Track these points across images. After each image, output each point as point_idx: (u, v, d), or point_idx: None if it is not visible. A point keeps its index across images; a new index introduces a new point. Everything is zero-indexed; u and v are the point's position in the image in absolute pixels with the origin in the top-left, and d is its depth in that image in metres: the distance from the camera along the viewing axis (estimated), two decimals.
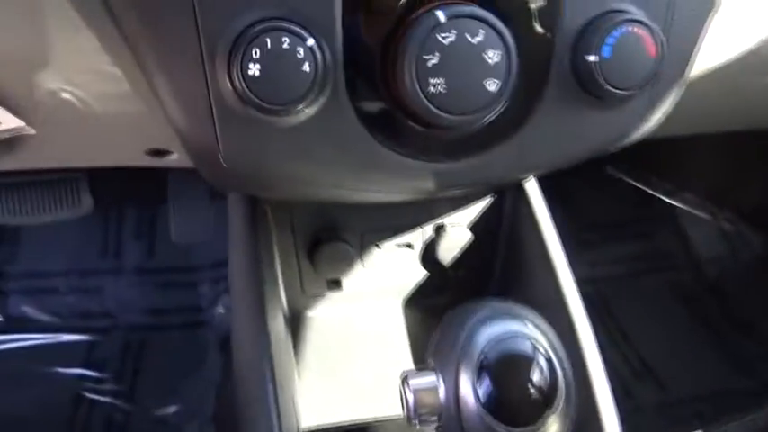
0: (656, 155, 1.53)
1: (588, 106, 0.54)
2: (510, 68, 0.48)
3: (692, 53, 0.56)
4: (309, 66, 0.46)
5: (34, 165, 0.98)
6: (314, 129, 0.51)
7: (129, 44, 0.50)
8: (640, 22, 0.50)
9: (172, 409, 1.22)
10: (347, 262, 0.79)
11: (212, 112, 0.50)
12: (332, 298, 0.84)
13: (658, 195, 1.56)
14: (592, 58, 0.50)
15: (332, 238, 0.78)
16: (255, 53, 0.46)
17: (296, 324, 0.83)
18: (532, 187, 0.74)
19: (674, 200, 1.55)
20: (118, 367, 1.31)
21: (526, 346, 0.45)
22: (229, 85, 0.47)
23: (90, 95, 0.65)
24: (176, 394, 1.23)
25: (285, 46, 0.46)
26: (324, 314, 0.84)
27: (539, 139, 0.55)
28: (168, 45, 0.49)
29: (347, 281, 0.82)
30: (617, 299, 1.47)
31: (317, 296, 0.84)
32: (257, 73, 0.46)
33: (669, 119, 0.60)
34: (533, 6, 0.50)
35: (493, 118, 0.51)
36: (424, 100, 0.48)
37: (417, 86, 0.48)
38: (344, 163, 0.53)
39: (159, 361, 1.32)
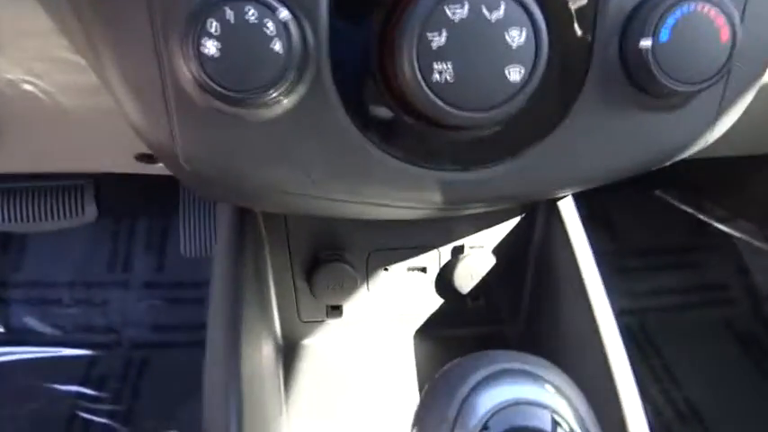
0: (711, 176, 1.39)
1: (639, 105, 0.43)
2: (538, 53, 0.38)
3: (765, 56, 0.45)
4: (281, 44, 0.37)
5: (16, 168, 0.91)
6: (291, 125, 0.41)
7: (78, 20, 0.42)
8: (708, 1, 0.39)
9: None
10: (349, 286, 0.69)
11: (167, 103, 0.41)
12: (331, 326, 0.73)
13: (711, 222, 1.42)
14: (645, 42, 0.39)
15: (333, 258, 0.68)
16: (213, 27, 0.36)
17: (290, 354, 0.73)
18: (567, 205, 0.63)
19: (730, 227, 1.40)
20: (117, 386, 1.23)
21: (544, 420, 0.33)
22: (185, 67, 0.38)
23: (54, 87, 0.57)
24: (174, 419, 1.14)
25: (250, 18, 0.36)
26: (322, 344, 0.74)
27: (573, 147, 0.44)
28: (115, 18, 0.40)
29: (349, 307, 0.72)
30: (662, 334, 1.32)
31: (315, 323, 0.73)
32: (215, 52, 0.36)
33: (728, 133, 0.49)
34: None
35: (515, 117, 0.41)
36: (427, 91, 0.38)
37: (418, 73, 0.38)
38: (330, 168, 0.43)
39: (161, 381, 1.24)
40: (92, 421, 1.18)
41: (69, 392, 1.22)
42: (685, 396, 1.25)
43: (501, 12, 0.37)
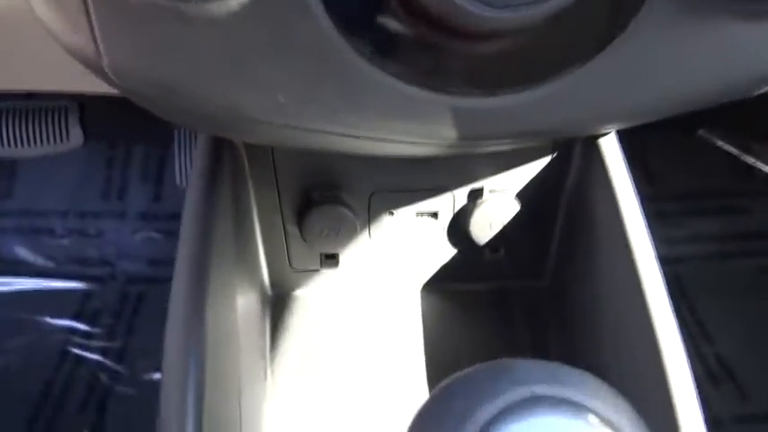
0: (760, 116, 1.24)
1: (728, 13, 0.31)
2: None
3: None
4: None
5: None
6: (249, 24, 0.30)
7: None
8: None
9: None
10: (347, 231, 0.59)
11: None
12: (328, 276, 0.64)
13: (759, 165, 1.28)
14: None
15: (328, 199, 0.58)
16: None
17: (279, 306, 0.64)
18: (610, 144, 0.51)
19: None
20: (111, 322, 1.17)
21: None
22: None
23: None
24: None
25: None
26: (316, 296, 0.65)
27: (633, 67, 0.32)
28: None
29: (347, 256, 0.62)
30: (697, 284, 1.22)
31: (309, 272, 0.64)
32: None
33: None
34: None
35: (555, 22, 0.29)
36: None
37: None
38: (303, 87, 0.32)
39: (156, 318, 1.17)
40: (84, 357, 1.12)
41: (62, 327, 1.16)
42: (716, 352, 1.16)
43: None
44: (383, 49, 0.31)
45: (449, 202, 0.60)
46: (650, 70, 0.33)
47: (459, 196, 0.59)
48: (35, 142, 1.07)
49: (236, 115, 0.35)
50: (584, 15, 0.30)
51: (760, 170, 1.28)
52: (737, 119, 1.28)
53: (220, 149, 0.52)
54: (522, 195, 0.59)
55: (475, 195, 0.59)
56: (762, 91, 0.37)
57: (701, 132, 1.32)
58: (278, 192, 0.58)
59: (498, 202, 0.59)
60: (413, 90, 0.32)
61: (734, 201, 1.30)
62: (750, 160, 1.30)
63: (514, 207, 0.59)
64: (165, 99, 0.35)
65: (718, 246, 1.25)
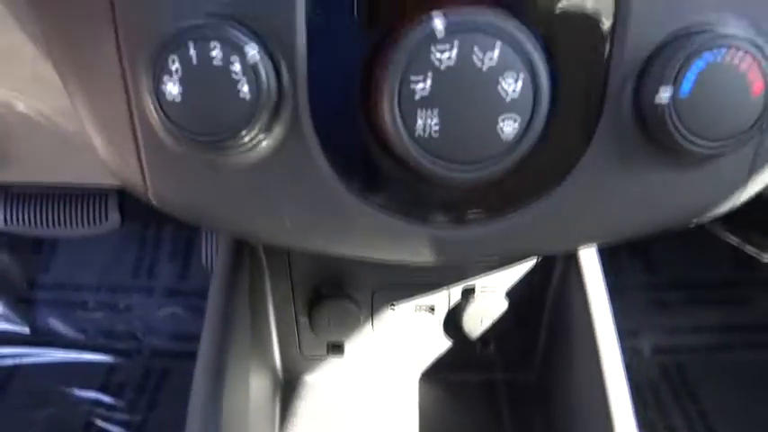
0: (760, 206, 1.30)
1: (655, 162, 0.38)
2: (537, 105, 0.33)
3: None
4: (249, 88, 0.33)
5: (29, 179, 0.91)
6: (266, 170, 0.38)
7: (45, 45, 0.40)
8: (740, 47, 0.34)
9: None
10: (352, 323, 0.66)
11: (137, 142, 0.38)
12: (334, 363, 0.70)
13: (759, 256, 1.32)
14: (663, 95, 0.34)
15: (336, 294, 0.65)
16: (175, 69, 0.33)
17: (289, 389, 0.70)
18: (588, 254, 0.58)
19: None
20: (134, 395, 1.22)
21: None
22: (152, 107, 0.35)
23: (50, 110, 0.55)
24: None
25: (215, 60, 0.33)
26: (323, 381, 0.71)
27: (578, 205, 0.39)
28: (83, 47, 0.37)
29: (351, 346, 0.68)
30: (699, 375, 1.24)
31: (318, 358, 0.70)
32: (177, 95, 0.33)
33: None
34: (578, 14, 0.35)
35: (511, 171, 0.36)
36: (409, 142, 0.34)
37: (400, 122, 0.34)
38: (307, 218, 0.40)
39: (178, 393, 1.22)
40: (107, 430, 1.17)
41: (87, 398, 1.22)
42: None
43: (495, 56, 0.33)
44: (371, 187, 0.39)
45: (444, 299, 0.66)
46: (596, 205, 0.40)
47: (454, 293, 0.66)
48: (76, 224, 1.17)
49: (255, 234, 0.43)
50: (535, 163, 0.37)
51: (761, 261, 1.32)
52: (737, 209, 1.33)
53: (242, 248, 0.60)
54: (510, 294, 0.65)
55: (468, 293, 0.66)
56: (700, 222, 0.43)
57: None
58: (292, 286, 0.65)
59: (489, 300, 0.65)
60: (394, 221, 0.39)
61: (736, 291, 1.33)
62: (751, 251, 1.34)
63: (503, 305, 0.65)
64: (197, 220, 0.42)
65: (721, 337, 1.28)
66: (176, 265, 1.38)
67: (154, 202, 0.41)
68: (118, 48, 0.36)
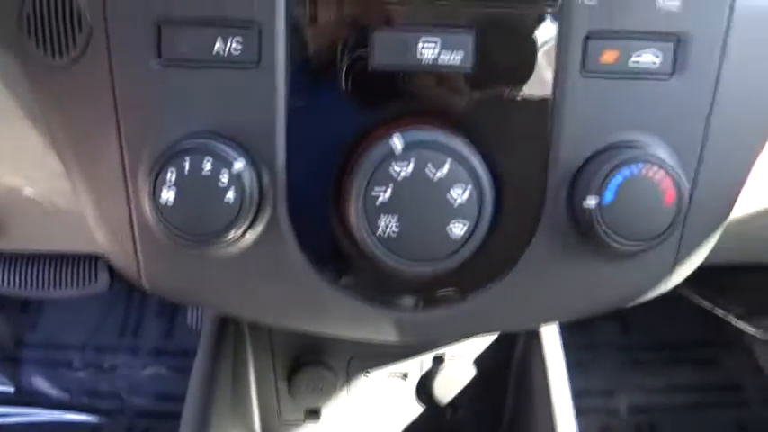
0: (727, 271, 1.35)
1: (591, 257, 0.43)
2: (482, 211, 0.39)
3: (732, 194, 0.45)
4: (234, 195, 0.39)
5: (23, 248, 0.94)
6: (249, 262, 0.43)
7: (52, 142, 0.45)
8: (655, 162, 0.40)
9: None
10: (328, 390, 0.70)
11: (134, 234, 0.43)
12: (311, 428, 0.73)
13: (728, 318, 1.37)
14: (590, 202, 0.40)
15: (314, 362, 0.69)
16: (171, 177, 0.39)
17: None
18: (550, 331, 0.63)
19: (746, 324, 1.36)
20: None
21: None
22: (149, 209, 0.40)
23: (51, 192, 0.60)
24: None
25: (206, 171, 0.38)
26: None
27: (524, 291, 0.44)
28: (89, 152, 0.43)
29: (328, 411, 0.72)
30: None
31: (296, 423, 0.74)
32: (171, 200, 0.39)
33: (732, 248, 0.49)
34: (518, 133, 0.41)
35: (466, 262, 0.41)
36: (372, 241, 0.39)
37: (364, 225, 0.39)
38: (286, 305, 0.45)
39: None
40: None
41: None
42: None
43: (445, 170, 0.38)
44: (343, 276, 0.44)
45: (417, 366, 0.70)
46: (540, 291, 0.45)
47: (426, 360, 0.70)
48: (66, 286, 1.20)
49: (239, 315, 0.47)
50: (486, 255, 0.43)
51: (728, 322, 1.37)
52: (707, 273, 1.39)
53: (226, 320, 0.64)
54: (478, 362, 0.70)
55: (438, 360, 0.70)
56: (634, 304, 0.48)
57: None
58: (272, 355, 0.69)
59: (458, 367, 0.69)
60: (365, 306, 0.44)
61: (707, 352, 1.38)
62: (720, 313, 1.39)
63: (472, 372, 0.69)
64: (185, 302, 0.47)
65: (694, 396, 1.32)
66: (162, 324, 1.41)
67: (146, 288, 0.45)
68: (121, 156, 0.41)
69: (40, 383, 1.34)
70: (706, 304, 1.42)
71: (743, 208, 0.53)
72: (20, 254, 1.19)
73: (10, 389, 1.34)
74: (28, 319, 1.41)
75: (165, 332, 1.41)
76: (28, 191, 0.61)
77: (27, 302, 1.42)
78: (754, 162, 0.45)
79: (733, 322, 1.38)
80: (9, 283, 1.17)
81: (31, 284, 1.19)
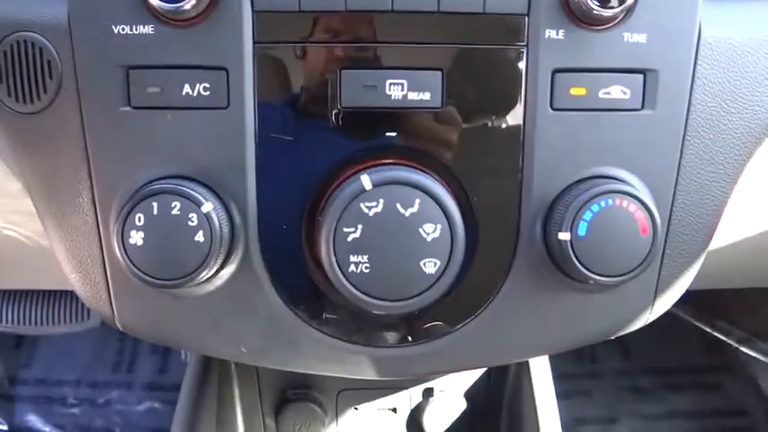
0: (727, 296, 1.34)
1: (570, 290, 0.43)
2: (454, 247, 0.39)
3: (712, 221, 0.45)
4: (204, 235, 0.39)
5: (14, 286, 0.94)
6: (222, 299, 0.43)
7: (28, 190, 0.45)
8: (627, 194, 0.39)
9: None
10: (317, 426, 0.69)
11: (106, 276, 0.43)
12: None
13: (728, 342, 1.36)
14: (564, 236, 0.39)
15: (302, 397, 0.68)
16: (139, 219, 0.38)
17: None
18: (539, 363, 0.62)
19: (747, 348, 1.34)
20: None
21: None
22: (118, 253, 0.40)
23: (32, 233, 0.60)
24: None
25: (175, 211, 0.38)
26: None
27: (504, 326, 0.44)
28: (61, 196, 0.43)
29: None
30: None
31: None
32: (140, 242, 0.38)
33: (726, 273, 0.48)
34: (490, 168, 0.41)
35: (441, 298, 0.41)
36: (344, 280, 0.39)
37: (335, 264, 0.39)
38: (260, 342, 0.44)
39: None
40: None
41: None
42: None
43: (415, 207, 0.38)
44: (317, 314, 0.44)
45: (406, 400, 0.69)
46: (520, 325, 0.44)
47: (415, 394, 0.69)
48: (58, 322, 1.19)
49: (216, 354, 0.47)
50: (462, 291, 0.42)
51: (730, 346, 1.36)
52: (707, 298, 1.37)
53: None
54: (469, 395, 0.69)
55: (428, 393, 0.69)
56: (616, 335, 0.48)
57: (674, 310, 1.41)
58: (259, 391, 0.69)
59: (448, 400, 0.68)
60: (340, 343, 0.44)
61: (708, 377, 1.36)
62: (720, 337, 1.37)
63: (462, 405, 0.68)
64: (160, 342, 0.46)
65: (697, 423, 1.30)
66: (156, 359, 1.40)
67: (120, 328, 0.45)
68: (93, 199, 0.41)
69: (35, 420, 1.33)
70: (706, 328, 1.40)
71: (735, 233, 0.52)
72: (12, 291, 1.19)
73: (4, 426, 1.32)
74: (21, 356, 1.41)
75: (159, 367, 1.40)
76: (9, 233, 0.61)
77: (20, 339, 1.41)
78: (732, 188, 0.45)
79: (734, 346, 1.36)
80: (2, 320, 1.17)
81: (25, 321, 1.19)
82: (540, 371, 0.61)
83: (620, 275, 0.40)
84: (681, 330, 1.40)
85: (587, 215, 0.39)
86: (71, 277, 0.45)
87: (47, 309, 1.18)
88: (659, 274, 0.44)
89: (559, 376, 1.06)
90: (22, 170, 0.43)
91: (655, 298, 0.45)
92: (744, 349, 1.35)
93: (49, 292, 1.20)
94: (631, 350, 1.40)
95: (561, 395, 0.74)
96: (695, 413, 1.32)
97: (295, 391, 0.68)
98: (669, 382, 1.37)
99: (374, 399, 0.69)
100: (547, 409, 0.58)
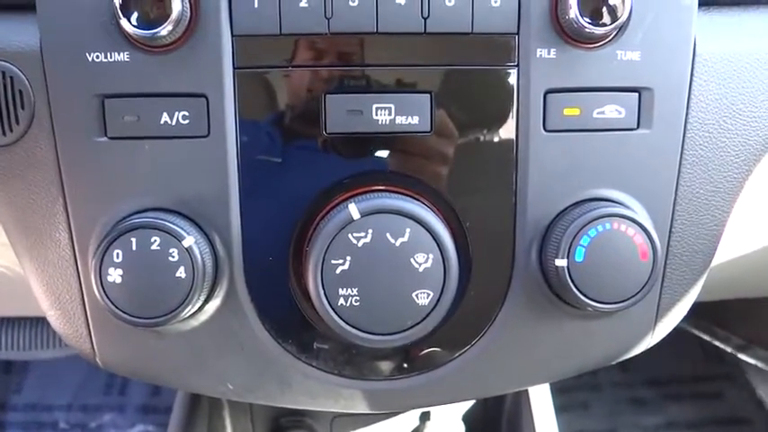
0: (725, 305, 1.33)
1: (568, 317, 0.41)
2: (447, 277, 0.37)
3: (713, 241, 0.44)
4: (186, 271, 0.37)
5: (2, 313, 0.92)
6: (207, 337, 0.41)
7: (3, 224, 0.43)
8: (625, 217, 0.38)
9: None
10: None
11: (86, 313, 0.41)
12: None
13: (728, 350, 1.35)
14: (561, 262, 0.38)
15: (295, 425, 0.66)
16: (118, 256, 0.37)
17: None
18: (539, 389, 0.60)
19: (746, 356, 1.33)
20: None
21: None
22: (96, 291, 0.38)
23: (9, 263, 0.58)
24: None
25: (154, 247, 0.37)
26: None
27: (501, 357, 0.42)
28: (36, 231, 0.41)
29: None
30: None
31: None
32: (119, 280, 0.37)
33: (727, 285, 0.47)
34: (483, 192, 0.40)
35: (433, 330, 0.39)
36: (333, 315, 0.37)
37: (324, 298, 0.37)
38: (248, 378, 0.42)
39: None
40: None
41: None
42: None
43: (406, 237, 0.37)
44: (306, 348, 0.42)
45: (402, 425, 0.67)
46: (517, 354, 0.43)
47: (412, 419, 0.67)
48: (48, 346, 1.17)
49: (202, 391, 0.45)
50: (456, 322, 0.41)
51: (728, 353, 1.34)
52: (705, 306, 1.36)
53: None
54: (467, 418, 0.67)
55: (424, 417, 0.67)
56: (624, 358, 0.46)
57: None
58: (251, 418, 0.67)
59: (446, 425, 0.66)
60: (330, 377, 0.42)
61: (707, 386, 1.35)
62: (719, 345, 1.36)
63: (461, 429, 0.67)
64: (144, 380, 0.45)
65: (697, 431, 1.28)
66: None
67: (101, 366, 0.43)
68: (69, 234, 0.40)
69: None
70: (705, 336, 1.39)
71: (737, 249, 0.51)
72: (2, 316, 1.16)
73: None
74: (11, 381, 1.38)
75: (152, 389, 1.37)
76: None
77: (10, 365, 1.38)
78: (732, 206, 0.43)
79: (733, 354, 1.35)
80: None
81: (12, 346, 1.16)
82: (539, 387, 0.59)
83: (619, 302, 0.39)
84: (679, 339, 1.38)
85: (584, 240, 0.38)
86: (48, 314, 0.43)
87: (34, 333, 1.16)
88: (660, 297, 0.42)
89: (558, 390, 1.05)
90: None
91: (656, 321, 0.43)
92: (742, 356, 1.34)
93: (36, 318, 1.18)
94: (629, 361, 1.38)
95: (560, 408, 0.73)
96: (695, 423, 1.30)
97: (288, 419, 0.66)
98: (668, 393, 1.35)
99: (370, 424, 0.67)
100: (546, 426, 0.56)
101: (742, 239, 0.51)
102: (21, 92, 0.39)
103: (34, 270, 0.42)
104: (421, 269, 0.37)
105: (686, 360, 1.38)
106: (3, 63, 0.39)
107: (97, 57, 0.38)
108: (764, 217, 0.51)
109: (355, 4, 0.37)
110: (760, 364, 1.31)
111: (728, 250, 0.50)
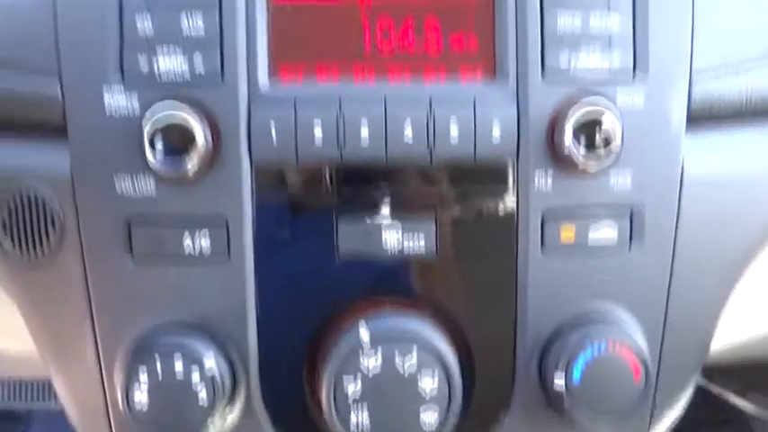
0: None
1: (566, 428, 0.44)
2: (452, 397, 0.40)
3: (703, 347, 0.46)
4: (207, 394, 0.39)
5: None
6: None
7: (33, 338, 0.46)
8: (618, 338, 0.40)
9: None
10: None
11: (110, 425, 0.43)
12: None
13: (725, 396, 1.36)
14: (559, 381, 0.40)
15: None
16: (143, 381, 0.39)
17: None
18: None
19: (746, 401, 1.34)
20: None
21: None
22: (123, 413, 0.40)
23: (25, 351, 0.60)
24: None
25: (178, 373, 0.39)
26: None
27: None
28: (66, 347, 0.43)
29: None
30: None
31: None
32: (145, 405, 0.39)
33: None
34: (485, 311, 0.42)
35: None
36: None
37: (335, 418, 0.39)
38: None
39: None
40: None
41: None
42: None
43: (413, 361, 0.39)
44: None
45: None
46: None
47: None
48: (53, 396, 1.18)
49: None
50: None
51: (726, 400, 1.36)
52: None
53: None
54: None
55: None
56: None
57: None
58: None
59: None
60: None
61: (707, 431, 1.36)
62: (716, 390, 1.37)
63: None
64: None
65: None
66: None
67: None
68: (96, 351, 0.42)
69: None
70: (702, 381, 1.40)
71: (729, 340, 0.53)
72: None
73: None
74: (17, 429, 1.38)
75: None
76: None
77: (13, 414, 1.39)
78: (720, 314, 0.46)
79: (731, 399, 1.36)
80: None
81: (18, 395, 1.17)
82: None
83: (615, 420, 0.41)
84: None
85: (580, 363, 0.40)
86: (75, 424, 0.45)
87: (40, 382, 1.17)
88: (653, 405, 0.45)
89: None
90: (26, 319, 0.44)
91: (650, 425, 0.45)
92: (741, 402, 1.36)
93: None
94: None
95: None
96: None
97: None
98: None
99: None
100: None
101: (732, 333, 0.53)
102: (52, 215, 0.41)
103: (62, 382, 0.44)
104: (427, 391, 0.39)
105: (688, 406, 1.39)
106: (35, 186, 0.42)
107: (125, 184, 0.41)
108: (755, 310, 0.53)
109: (366, 138, 0.40)
110: (759, 412, 1.33)
111: (721, 342, 0.52)
